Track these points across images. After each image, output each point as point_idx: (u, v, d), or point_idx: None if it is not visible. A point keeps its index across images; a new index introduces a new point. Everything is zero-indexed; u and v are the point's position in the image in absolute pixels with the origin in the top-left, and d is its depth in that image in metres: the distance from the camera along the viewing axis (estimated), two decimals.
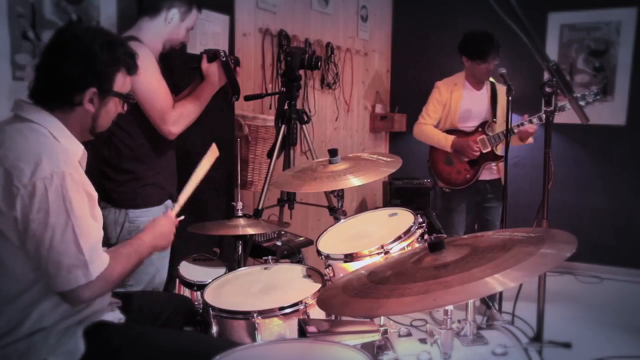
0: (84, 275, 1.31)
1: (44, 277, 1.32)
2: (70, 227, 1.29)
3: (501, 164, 3.21)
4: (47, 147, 1.32)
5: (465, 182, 3.21)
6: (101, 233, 1.40)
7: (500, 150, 3.18)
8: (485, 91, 3.26)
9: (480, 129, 3.19)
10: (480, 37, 3.11)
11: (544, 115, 2.88)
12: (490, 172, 3.23)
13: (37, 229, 1.27)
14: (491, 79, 3.30)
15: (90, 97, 1.39)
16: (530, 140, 3.13)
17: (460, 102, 3.22)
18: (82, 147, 1.44)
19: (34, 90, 1.40)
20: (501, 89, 3.26)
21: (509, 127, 2.84)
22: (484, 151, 3.14)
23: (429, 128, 3.28)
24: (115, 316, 1.53)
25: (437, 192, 3.41)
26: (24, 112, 1.38)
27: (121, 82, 1.46)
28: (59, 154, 1.33)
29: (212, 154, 1.80)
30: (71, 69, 1.36)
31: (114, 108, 1.48)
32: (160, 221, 1.61)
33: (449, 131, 3.24)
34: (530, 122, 3.03)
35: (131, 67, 1.48)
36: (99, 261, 1.34)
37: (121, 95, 1.47)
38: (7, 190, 1.26)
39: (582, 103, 3.05)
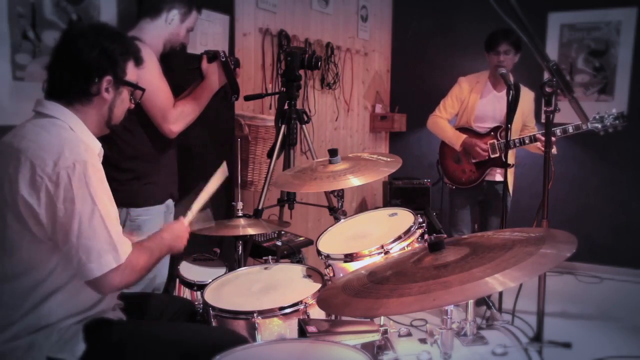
0: (114, 259, 1.33)
1: (72, 269, 1.34)
2: (97, 212, 1.32)
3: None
4: (68, 139, 1.36)
5: (469, 183, 3.22)
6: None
7: (511, 159, 3.17)
8: (505, 94, 3.23)
9: (492, 133, 3.19)
10: (497, 29, 3.10)
11: (570, 128, 2.92)
12: (496, 174, 3.23)
13: (65, 218, 1.29)
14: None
15: (106, 86, 1.44)
16: (554, 150, 2.99)
17: (477, 101, 3.22)
18: (99, 145, 1.48)
19: (50, 87, 1.44)
20: (525, 95, 3.20)
21: (509, 128, 2.84)
22: (492, 156, 3.13)
23: (443, 122, 3.29)
24: (116, 315, 1.54)
25: (446, 188, 3.42)
26: (44, 109, 1.41)
27: (131, 72, 1.50)
28: (80, 145, 1.36)
29: (221, 172, 1.82)
30: (87, 58, 1.40)
31: (127, 99, 1.52)
32: (175, 224, 1.64)
33: (462, 129, 3.24)
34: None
35: (138, 59, 1.53)
36: (126, 245, 1.38)
37: (134, 85, 1.51)
38: (31, 179, 1.29)
39: (598, 125, 3.07)
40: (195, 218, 1.71)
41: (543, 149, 3.03)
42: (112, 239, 1.33)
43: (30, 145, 1.32)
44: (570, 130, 3.01)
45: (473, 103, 3.21)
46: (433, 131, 3.34)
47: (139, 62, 1.53)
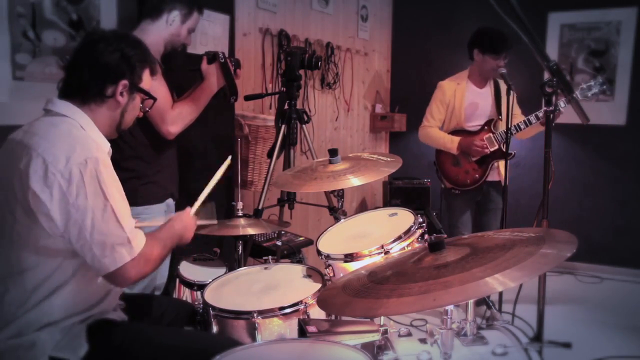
0: (128, 252, 1.36)
1: (75, 266, 1.36)
2: (109, 207, 1.34)
3: (502, 165, 3.21)
4: (79, 136, 1.38)
5: (475, 182, 3.18)
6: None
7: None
8: (489, 88, 3.25)
9: (486, 127, 3.19)
10: (497, 32, 3.09)
11: (561, 103, 2.88)
12: (493, 173, 3.22)
13: (78, 213, 1.31)
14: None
15: (121, 90, 1.46)
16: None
17: (464, 101, 3.20)
18: (108, 144, 1.50)
19: (66, 85, 1.46)
20: (504, 86, 3.26)
21: (509, 127, 2.84)
22: (491, 149, 3.13)
23: (434, 131, 3.24)
24: (118, 315, 1.54)
25: (442, 193, 3.37)
26: (55, 107, 1.43)
27: (146, 81, 1.53)
28: (91, 143, 1.39)
29: (226, 165, 1.86)
30: (107, 60, 1.43)
31: (138, 106, 1.55)
32: (183, 214, 1.66)
33: (454, 132, 3.22)
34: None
35: (154, 69, 1.56)
36: (139, 237, 1.40)
37: (147, 93, 1.54)
38: (44, 176, 1.30)
39: (587, 94, 3.05)
40: (200, 213, 1.73)
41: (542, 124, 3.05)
42: (125, 233, 1.35)
43: (42, 142, 1.33)
44: (562, 105, 2.95)
45: (460, 105, 3.19)
46: (427, 142, 3.29)
47: (154, 72, 1.56)
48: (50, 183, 1.30)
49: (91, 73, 1.43)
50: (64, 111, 1.42)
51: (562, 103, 2.96)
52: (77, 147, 1.33)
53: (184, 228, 1.61)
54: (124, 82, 1.46)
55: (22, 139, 1.37)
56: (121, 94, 1.46)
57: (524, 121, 3.06)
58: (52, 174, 1.29)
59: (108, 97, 1.45)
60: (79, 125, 1.41)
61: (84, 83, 1.44)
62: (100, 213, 1.32)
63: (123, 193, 1.42)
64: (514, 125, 3.06)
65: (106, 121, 1.48)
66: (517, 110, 3.32)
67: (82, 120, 1.42)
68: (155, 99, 1.58)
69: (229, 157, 1.86)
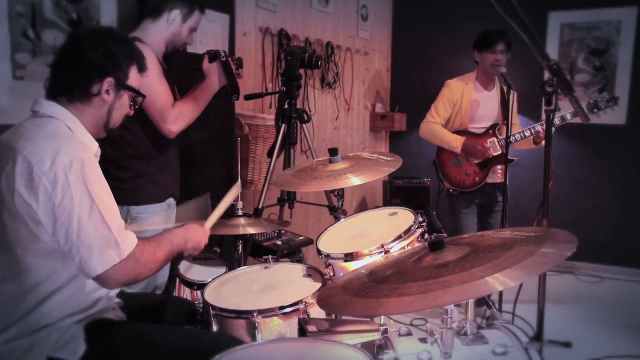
0: (117, 254, 1.33)
1: (72, 269, 1.35)
2: (96, 209, 1.31)
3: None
4: (65, 137, 1.36)
5: (474, 185, 3.17)
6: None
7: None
8: (495, 92, 3.25)
9: (490, 131, 3.19)
10: (490, 30, 3.13)
11: (568, 115, 2.95)
12: (495, 176, 3.22)
13: (64, 216, 1.29)
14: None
15: (107, 88, 1.44)
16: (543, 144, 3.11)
17: (471, 102, 3.20)
18: (96, 144, 1.48)
19: (52, 84, 1.44)
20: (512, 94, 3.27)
21: (509, 127, 2.84)
22: (494, 154, 3.13)
23: (439, 128, 3.21)
24: (116, 314, 1.54)
25: (443, 193, 3.36)
26: (41, 108, 1.42)
27: (134, 78, 1.51)
28: (77, 143, 1.37)
29: (235, 189, 1.90)
30: (90, 58, 1.41)
31: (126, 103, 1.53)
32: (194, 224, 1.64)
33: (457, 132, 3.21)
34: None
35: (142, 65, 1.54)
36: (129, 239, 1.37)
37: (135, 90, 1.52)
38: (29, 179, 1.29)
39: (594, 110, 3.10)
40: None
41: (536, 142, 3.08)
42: (112, 234, 1.33)
43: (28, 144, 1.32)
44: (569, 117, 3.01)
45: (467, 105, 3.19)
46: (428, 138, 3.25)
47: (142, 69, 1.54)
48: (35, 186, 1.28)
49: (75, 71, 1.41)
50: (50, 112, 1.40)
51: (568, 115, 2.98)
52: (63, 149, 1.31)
53: (191, 234, 1.58)
54: (109, 79, 1.43)
55: (8, 141, 1.36)
56: (107, 91, 1.44)
57: (529, 128, 3.06)
58: (37, 176, 1.28)
59: (94, 96, 1.43)
60: (65, 125, 1.39)
61: (69, 82, 1.42)
62: (86, 215, 1.30)
63: (111, 194, 1.40)
64: (520, 133, 3.07)
65: (93, 120, 1.46)
66: (516, 120, 3.32)
67: (68, 120, 1.41)
68: (144, 96, 1.56)
69: (238, 182, 1.89)
